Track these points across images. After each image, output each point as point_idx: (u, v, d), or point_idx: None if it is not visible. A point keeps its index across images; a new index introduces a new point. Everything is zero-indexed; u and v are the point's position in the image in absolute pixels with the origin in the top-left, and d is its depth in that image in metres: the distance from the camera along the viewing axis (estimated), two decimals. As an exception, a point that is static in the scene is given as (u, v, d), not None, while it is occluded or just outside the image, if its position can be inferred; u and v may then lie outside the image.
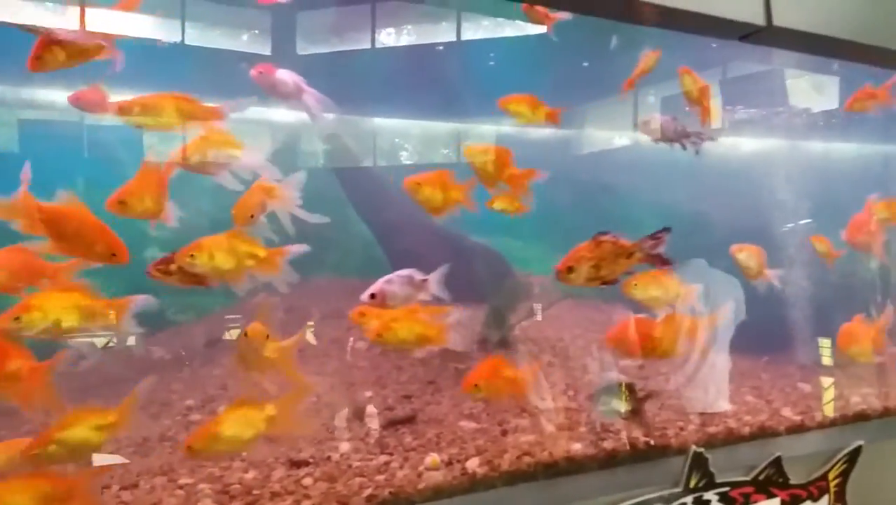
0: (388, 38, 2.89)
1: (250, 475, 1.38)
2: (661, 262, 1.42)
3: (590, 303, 2.47)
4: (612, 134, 3.11)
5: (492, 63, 2.82)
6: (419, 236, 2.11)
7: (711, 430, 1.68)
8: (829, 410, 1.91)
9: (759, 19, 1.59)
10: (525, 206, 1.75)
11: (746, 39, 1.66)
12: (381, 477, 1.37)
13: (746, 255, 1.88)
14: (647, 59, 2.05)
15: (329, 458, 1.46)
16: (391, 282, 1.50)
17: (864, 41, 1.77)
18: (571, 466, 1.47)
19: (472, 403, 1.72)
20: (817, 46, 1.75)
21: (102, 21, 1.48)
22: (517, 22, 2.33)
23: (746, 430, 1.72)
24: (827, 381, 2.14)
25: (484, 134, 2.89)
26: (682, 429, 1.69)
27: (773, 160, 2.67)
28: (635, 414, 1.48)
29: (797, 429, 1.80)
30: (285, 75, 1.63)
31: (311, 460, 1.45)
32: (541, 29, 2.12)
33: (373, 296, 1.49)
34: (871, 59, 1.96)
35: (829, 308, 2.50)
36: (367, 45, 2.78)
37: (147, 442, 1.55)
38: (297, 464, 1.44)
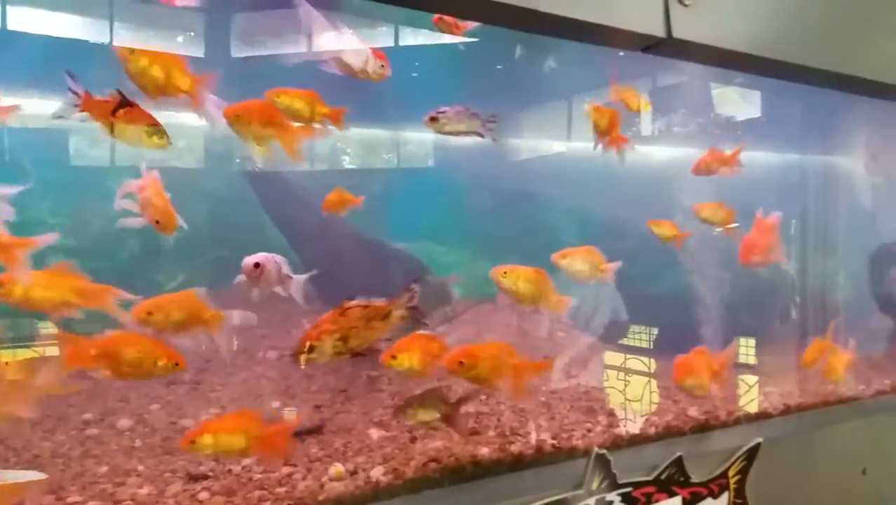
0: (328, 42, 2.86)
1: (145, 490, 1.33)
2: (418, 315, 1.38)
3: (507, 307, 2.49)
4: (539, 143, 3.17)
5: (419, 72, 2.83)
6: (335, 242, 2.09)
7: (618, 431, 1.72)
8: (736, 409, 1.97)
9: (659, 31, 1.64)
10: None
11: (649, 51, 1.71)
12: (281, 489, 1.35)
13: (569, 260, 1.77)
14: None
15: (230, 471, 1.43)
16: (268, 260, 1.47)
17: (764, 55, 1.85)
18: (478, 471, 1.48)
19: (383, 411, 1.71)
20: (718, 59, 1.81)
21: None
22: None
23: (653, 430, 1.76)
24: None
25: (419, 140, 2.90)
26: (589, 431, 1.72)
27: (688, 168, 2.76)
28: (449, 420, 1.43)
29: (702, 428, 1.86)
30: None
31: (210, 474, 1.41)
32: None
33: (256, 265, 1.44)
34: (773, 73, 2.05)
35: (742, 310, 2.60)
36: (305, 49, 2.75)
37: (38, 458, 1.49)
38: (195, 478, 1.40)
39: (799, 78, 2.12)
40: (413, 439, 1.59)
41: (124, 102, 1.25)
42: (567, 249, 1.75)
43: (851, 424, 2.04)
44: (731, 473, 1.68)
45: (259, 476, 1.40)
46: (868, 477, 2.00)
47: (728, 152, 2.17)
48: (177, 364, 1.30)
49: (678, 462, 1.59)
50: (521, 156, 3.01)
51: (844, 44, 2.10)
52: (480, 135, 1.63)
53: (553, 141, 3.10)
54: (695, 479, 1.61)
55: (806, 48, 1.98)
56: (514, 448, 1.56)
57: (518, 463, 1.53)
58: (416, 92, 2.58)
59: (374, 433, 1.62)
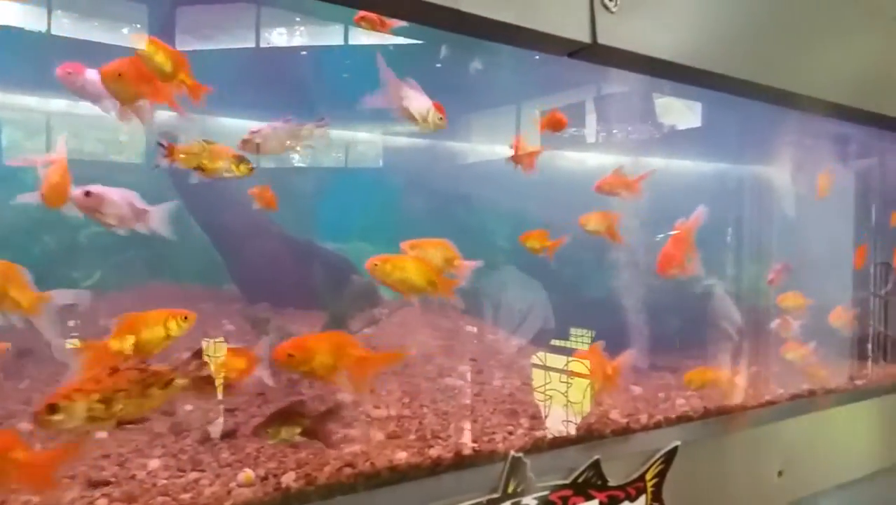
0: (279, 38, 2.83)
1: (36, 498, 1.26)
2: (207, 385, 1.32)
3: (437, 309, 2.48)
4: (478, 146, 3.17)
5: (359, 71, 2.80)
6: (260, 241, 2.04)
7: (539, 434, 1.72)
8: (656, 412, 2.00)
9: (584, 37, 1.65)
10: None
11: (575, 56, 1.72)
12: (186, 495, 1.30)
13: (418, 252, 1.71)
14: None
15: (134, 476, 1.37)
16: (110, 192, 1.40)
17: (689, 64, 1.89)
18: (394, 476, 1.46)
19: (301, 414, 1.67)
20: (642, 66, 1.83)
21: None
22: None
23: (574, 433, 1.77)
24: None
25: (353, 140, 2.87)
26: (510, 433, 1.71)
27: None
28: (313, 434, 1.40)
29: (623, 431, 1.87)
30: (95, 75, 1.52)
31: (112, 480, 1.35)
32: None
33: (87, 193, 1.38)
34: (699, 83, 2.09)
35: (668, 315, 2.65)
36: (252, 44, 2.70)
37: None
38: (95, 484, 1.34)
39: (726, 89, 2.17)
40: (329, 444, 1.55)
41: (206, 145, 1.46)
42: (417, 240, 1.74)
43: (769, 427, 2.09)
44: (648, 477, 1.70)
45: (164, 482, 1.35)
46: (784, 478, 2.06)
47: (631, 177, 2.20)
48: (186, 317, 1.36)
49: (595, 465, 1.60)
50: (458, 158, 3.01)
51: (771, 56, 2.16)
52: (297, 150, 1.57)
53: (491, 144, 3.11)
54: (612, 482, 1.62)
55: (732, 59, 2.02)
56: (434, 452, 1.54)
57: (437, 467, 1.51)
58: (353, 91, 2.56)
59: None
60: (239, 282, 2.28)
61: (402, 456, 1.50)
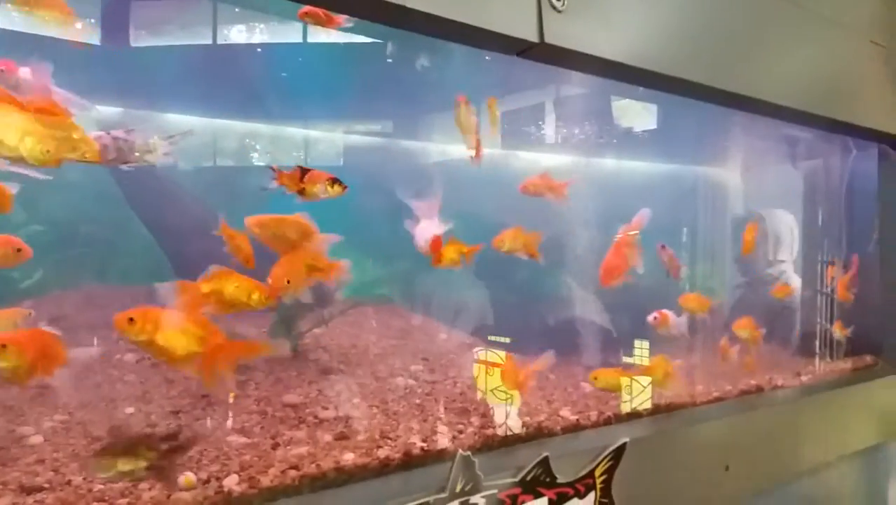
0: (238, 35, 2.79)
1: (-36, 508, 1.22)
2: None
3: (388, 308, 2.47)
4: (436, 146, 3.16)
5: (314, 69, 2.77)
6: (206, 240, 1.99)
7: (489, 432, 1.71)
8: (606, 409, 2.02)
9: (532, 36, 1.65)
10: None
11: (523, 55, 1.72)
12: (123, 501, 1.26)
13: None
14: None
15: (70, 482, 1.32)
16: None
17: (636, 65, 1.90)
18: (341, 478, 1.44)
19: (247, 417, 1.64)
20: (590, 66, 1.85)
21: None
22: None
23: (524, 431, 1.77)
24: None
25: (309, 138, 2.83)
26: (460, 432, 1.71)
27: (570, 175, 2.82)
28: (157, 471, 1.32)
29: (573, 428, 1.89)
30: (28, 74, 1.46)
31: (46, 486, 1.31)
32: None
33: None
34: (647, 84, 2.11)
35: (620, 312, 2.67)
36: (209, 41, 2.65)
37: None
38: (28, 490, 1.29)
39: (675, 91, 2.20)
40: (275, 446, 1.53)
41: (304, 171, 1.61)
42: (264, 217, 1.74)
43: (716, 423, 2.12)
44: (597, 473, 1.71)
45: (101, 487, 1.31)
46: (731, 473, 2.09)
47: (557, 182, 2.23)
48: (267, 297, 1.48)
49: (544, 463, 1.60)
50: (416, 158, 2.99)
51: (720, 60, 2.19)
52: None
53: (445, 143, 3.09)
54: (561, 479, 1.62)
55: (680, 62, 2.05)
56: (382, 453, 1.52)
57: (385, 468, 1.50)
58: (311, 89, 2.53)
59: (234, 440, 1.54)
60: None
61: (349, 457, 1.48)
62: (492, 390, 1.67)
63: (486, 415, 1.86)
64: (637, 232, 2.07)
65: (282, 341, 1.92)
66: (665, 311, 2.17)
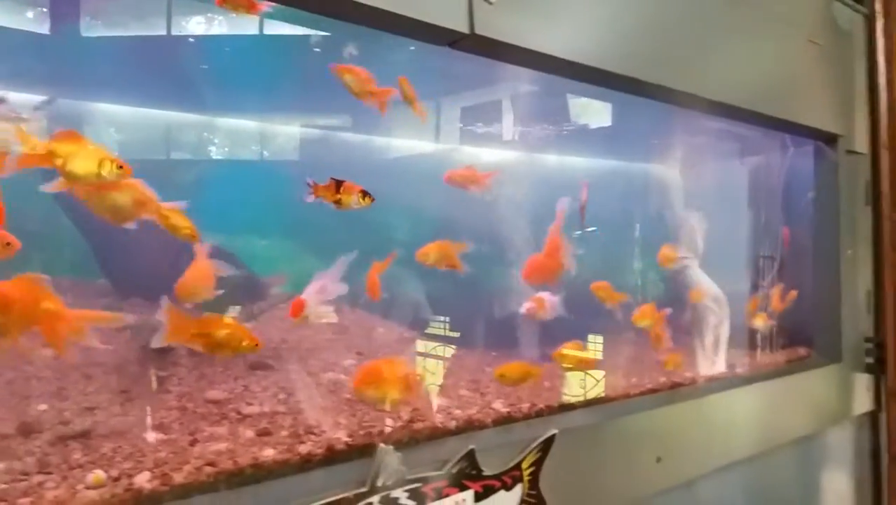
0: (197, 26, 2.72)
1: None
2: None
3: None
4: (382, 140, 3.13)
5: (253, 59, 2.71)
6: (133, 232, 1.93)
7: (418, 426, 1.70)
8: (540, 401, 2.02)
9: (463, 27, 1.64)
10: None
11: (454, 46, 1.71)
12: (26, 500, 1.21)
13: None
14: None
15: (-29, 482, 1.28)
16: None
17: (566, 58, 1.91)
18: (259, 474, 1.41)
19: (166, 413, 1.60)
20: (521, 58, 1.84)
21: None
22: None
23: (453, 424, 1.77)
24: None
25: (247, 130, 2.78)
26: (389, 426, 1.69)
27: (514, 171, 2.83)
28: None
29: (504, 421, 1.89)
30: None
31: (-57, 487, 1.25)
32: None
33: None
34: (582, 78, 2.12)
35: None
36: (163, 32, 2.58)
37: None
38: (-78, 492, 1.24)
39: (612, 86, 2.22)
40: (193, 442, 1.49)
41: (339, 183, 1.67)
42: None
43: (648, 414, 2.15)
44: (524, 465, 1.71)
45: (3, 486, 1.26)
46: (662, 464, 2.12)
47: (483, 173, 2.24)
48: (256, 345, 1.53)
49: (470, 455, 1.60)
50: (358, 151, 2.96)
51: (657, 54, 2.21)
52: None
53: (396, 139, 3.07)
54: (487, 471, 1.63)
55: (617, 57, 2.07)
56: (304, 448, 1.50)
57: (306, 464, 1.48)
58: (234, 80, 2.47)
59: (151, 436, 1.50)
60: (109, 276, 2.17)
61: (269, 453, 1.45)
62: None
63: (418, 408, 1.85)
64: (560, 226, 2.07)
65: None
66: (540, 294, 2.12)
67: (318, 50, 2.54)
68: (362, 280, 2.47)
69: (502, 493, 1.66)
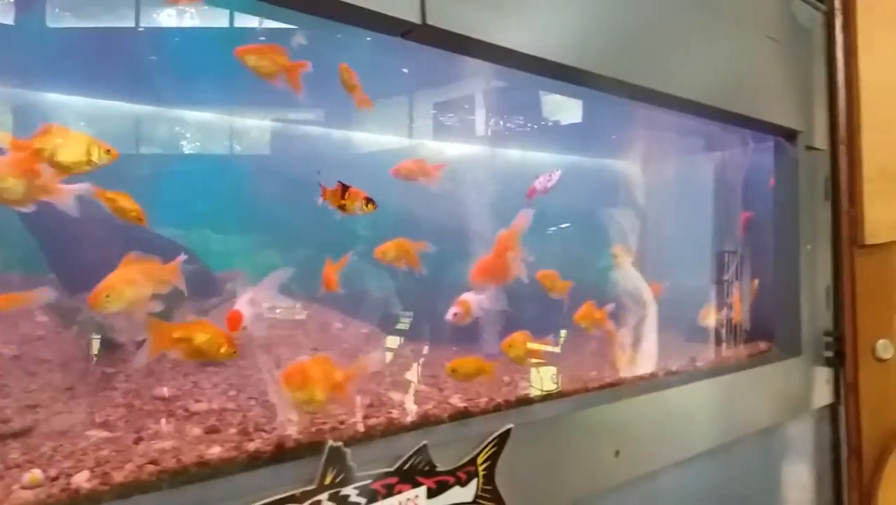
0: (168, 19, 2.67)
1: None
2: None
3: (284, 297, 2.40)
4: (344, 133, 3.10)
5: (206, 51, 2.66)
6: (81, 226, 1.89)
7: (372, 422, 1.69)
8: (499, 396, 2.01)
9: (415, 17, 1.62)
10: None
11: (407, 37, 1.69)
12: (-46, 502, 1.18)
13: None
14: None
15: None
16: None
17: (529, 53, 1.90)
18: (204, 472, 1.38)
19: (112, 410, 1.56)
20: (478, 51, 1.83)
21: None
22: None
23: (409, 419, 1.75)
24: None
25: (202, 122, 2.73)
26: (341, 423, 1.67)
27: (475, 165, 2.82)
28: None
29: (461, 416, 1.88)
30: None
31: None
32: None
33: None
34: (541, 72, 2.11)
35: (521, 302, 2.67)
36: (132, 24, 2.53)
37: None
38: None
39: (571, 80, 2.21)
40: (138, 440, 1.46)
41: (345, 188, 1.78)
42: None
43: (607, 408, 2.15)
44: (479, 461, 1.70)
45: (-70, 489, 1.22)
46: (620, 458, 2.12)
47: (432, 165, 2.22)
48: (234, 351, 1.55)
49: (422, 451, 1.58)
50: (318, 144, 2.93)
51: (617, 49, 2.21)
52: None
53: (358, 132, 3.05)
54: (441, 467, 1.61)
55: (576, 51, 2.06)
56: (252, 446, 1.47)
57: (254, 461, 1.45)
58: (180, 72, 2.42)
59: (95, 434, 1.47)
60: (57, 271, 2.12)
61: (215, 451, 1.42)
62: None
63: (373, 405, 1.83)
64: (519, 232, 2.05)
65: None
66: (465, 296, 2.04)
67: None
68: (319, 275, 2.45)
69: (457, 489, 1.65)
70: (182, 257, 1.64)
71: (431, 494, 1.59)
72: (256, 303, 1.63)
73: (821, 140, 3.19)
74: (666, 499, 2.35)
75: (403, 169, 2.17)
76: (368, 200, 1.78)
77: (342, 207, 1.77)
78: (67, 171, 1.48)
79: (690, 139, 3.35)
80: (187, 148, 2.60)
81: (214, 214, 2.41)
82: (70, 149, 1.45)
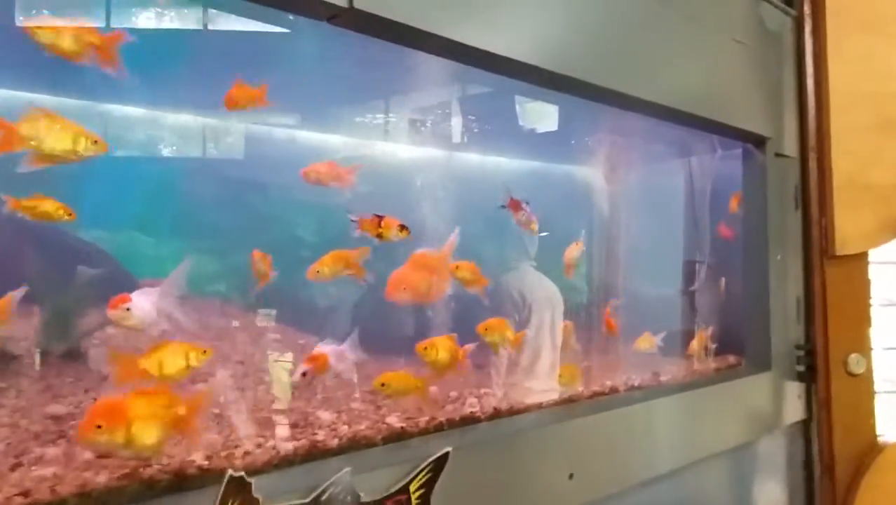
0: (147, 21, 2.54)
1: None
2: None
3: (212, 306, 2.24)
4: (279, 131, 2.92)
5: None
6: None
7: (292, 445, 1.53)
8: (442, 414, 1.86)
9: (341, 0, 1.49)
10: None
11: (333, 22, 1.55)
12: None
13: None
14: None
15: None
16: None
17: (466, 42, 1.76)
18: (85, 503, 1.22)
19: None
20: (409, 38, 1.69)
21: None
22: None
23: (335, 442, 1.60)
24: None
25: (126, 120, 2.56)
26: (259, 446, 1.51)
27: (430, 167, 2.68)
28: None
29: (398, 437, 1.72)
30: None
31: None
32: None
33: None
34: (482, 65, 1.97)
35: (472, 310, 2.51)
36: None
37: None
38: None
39: (516, 75, 2.07)
40: (16, 466, 1.29)
41: (380, 218, 1.83)
42: None
43: (561, 427, 2.01)
44: (412, 488, 1.55)
45: None
46: (575, 481, 1.98)
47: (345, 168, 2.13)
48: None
49: (343, 479, 1.42)
50: (252, 144, 2.76)
51: (564, 44, 2.08)
52: None
53: (293, 129, 2.88)
54: (366, 497, 1.45)
55: (519, 42, 1.92)
56: (148, 472, 1.31)
57: (149, 490, 1.29)
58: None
59: (-37, 461, 1.29)
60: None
61: (101, 480, 1.26)
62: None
63: (298, 425, 1.67)
64: (449, 255, 1.91)
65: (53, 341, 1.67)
66: (319, 350, 1.82)
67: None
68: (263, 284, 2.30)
69: (385, 519, 1.49)
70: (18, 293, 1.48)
71: (355, 526, 1.43)
72: (158, 296, 1.47)
73: (790, 147, 3.09)
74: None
75: (312, 172, 2.03)
76: (402, 227, 1.84)
77: (379, 236, 1.83)
78: (50, 161, 1.39)
79: (657, 146, 3.24)
80: (119, 147, 2.43)
81: (145, 217, 2.25)
82: (58, 137, 1.38)
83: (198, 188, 2.27)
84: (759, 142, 3.00)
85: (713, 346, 3.01)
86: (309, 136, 2.78)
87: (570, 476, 1.96)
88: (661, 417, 2.39)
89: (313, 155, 2.83)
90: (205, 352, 1.49)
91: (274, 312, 2.19)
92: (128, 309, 1.35)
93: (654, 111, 2.53)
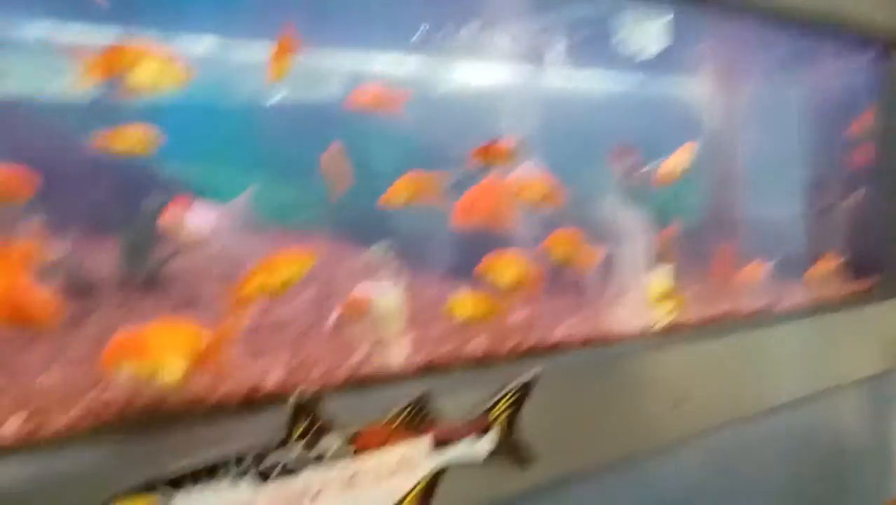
0: None
1: None
2: None
3: (273, 232, 2.15)
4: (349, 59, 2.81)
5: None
6: (62, 156, 1.71)
7: (367, 370, 1.47)
8: (528, 339, 1.75)
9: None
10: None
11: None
12: None
13: None
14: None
15: None
16: None
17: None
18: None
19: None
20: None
21: None
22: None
23: (412, 367, 1.53)
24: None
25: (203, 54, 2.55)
26: (338, 367, 1.46)
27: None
28: None
29: (480, 363, 1.64)
30: None
31: None
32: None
33: None
34: None
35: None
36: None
37: None
38: None
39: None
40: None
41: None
42: None
43: (664, 353, 1.85)
44: (496, 412, 1.45)
45: None
46: (680, 410, 1.82)
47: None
48: None
49: (422, 400, 1.34)
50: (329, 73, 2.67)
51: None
52: None
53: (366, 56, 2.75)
54: (446, 419, 1.37)
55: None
56: (224, 390, 1.29)
57: (220, 410, 1.27)
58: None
59: None
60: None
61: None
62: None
63: (380, 344, 1.61)
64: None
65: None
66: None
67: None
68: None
69: (468, 442, 1.41)
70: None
71: (435, 446, 1.36)
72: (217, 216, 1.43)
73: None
74: (737, 457, 2.04)
75: (361, 98, 1.91)
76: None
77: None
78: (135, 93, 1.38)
79: (772, 55, 2.90)
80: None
81: (222, 149, 2.23)
82: (148, 67, 1.35)
83: (275, 122, 2.24)
84: (891, 43, 2.62)
85: (843, 270, 2.71)
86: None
87: (675, 405, 1.81)
88: (781, 345, 2.17)
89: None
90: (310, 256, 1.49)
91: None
92: (182, 218, 1.32)
93: (766, 14, 2.24)
